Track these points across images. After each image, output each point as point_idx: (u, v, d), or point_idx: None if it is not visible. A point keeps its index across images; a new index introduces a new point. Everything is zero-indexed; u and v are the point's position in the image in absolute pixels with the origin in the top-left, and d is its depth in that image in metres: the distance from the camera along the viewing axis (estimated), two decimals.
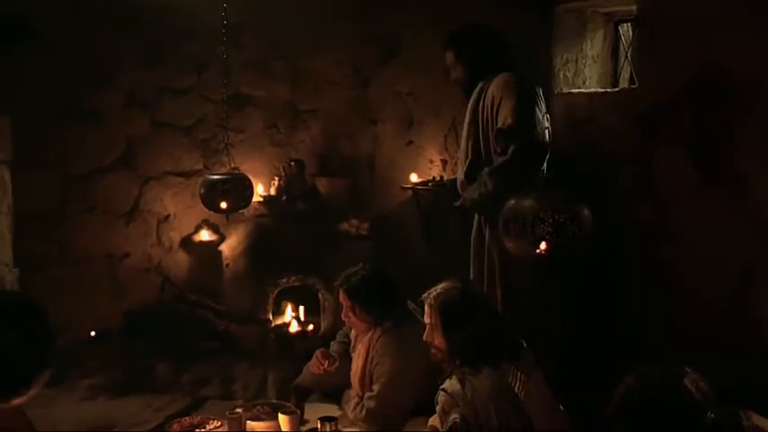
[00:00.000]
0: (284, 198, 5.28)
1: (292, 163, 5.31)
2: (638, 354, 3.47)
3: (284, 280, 5.12)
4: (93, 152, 5.41)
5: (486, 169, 3.62)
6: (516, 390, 2.82)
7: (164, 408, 4.22)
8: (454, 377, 2.88)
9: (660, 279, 3.77)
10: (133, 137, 5.49)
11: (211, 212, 4.48)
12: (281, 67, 5.43)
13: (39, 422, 2.45)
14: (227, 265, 5.26)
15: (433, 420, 2.97)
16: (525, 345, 3.00)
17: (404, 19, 4.96)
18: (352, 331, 3.77)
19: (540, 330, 3.39)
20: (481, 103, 3.72)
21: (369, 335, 3.56)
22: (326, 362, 3.69)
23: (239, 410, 3.40)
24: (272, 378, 4.60)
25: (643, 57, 4.04)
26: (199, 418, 3.55)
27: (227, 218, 4.36)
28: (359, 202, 5.32)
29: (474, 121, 3.76)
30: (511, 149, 3.50)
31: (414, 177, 4.92)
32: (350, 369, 3.66)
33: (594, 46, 4.61)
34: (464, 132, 3.86)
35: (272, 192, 5.33)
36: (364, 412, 3.42)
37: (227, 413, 3.38)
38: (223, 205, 4.03)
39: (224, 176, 4.07)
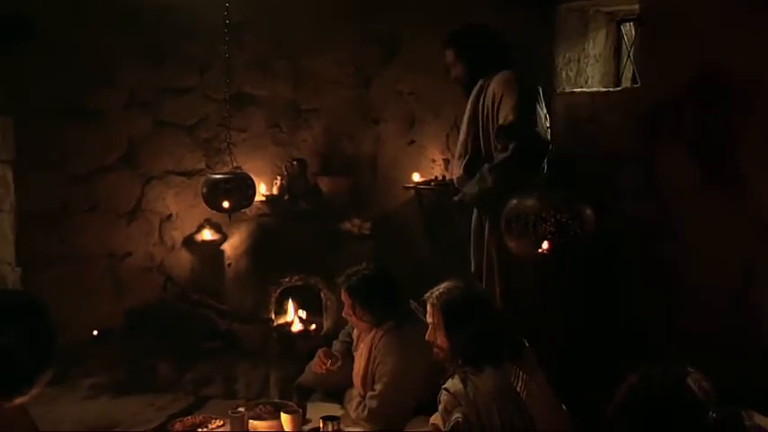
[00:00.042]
0: (286, 197, 5.29)
1: (294, 162, 5.32)
2: (639, 354, 3.48)
3: (286, 279, 5.12)
4: (95, 151, 5.41)
5: (486, 165, 3.63)
6: (518, 389, 2.82)
7: (166, 407, 4.22)
8: (456, 377, 2.88)
9: (661, 278, 3.77)
10: (135, 136, 5.49)
11: (214, 212, 4.48)
12: (283, 67, 5.44)
13: (40, 421, 2.46)
14: (229, 264, 5.26)
15: (435, 419, 2.96)
16: (527, 344, 3.00)
17: (404, 19, 4.97)
18: (355, 330, 3.78)
19: (542, 330, 3.39)
20: (481, 101, 3.72)
21: (371, 334, 3.56)
22: (329, 361, 3.69)
23: (241, 410, 3.41)
24: (275, 377, 4.60)
25: (645, 56, 4.03)
26: (201, 417, 3.56)
27: (230, 217, 4.36)
28: (361, 202, 5.33)
29: (474, 117, 3.77)
30: (512, 146, 3.50)
31: (416, 177, 4.93)
32: (352, 368, 3.67)
33: (597, 45, 4.60)
34: (463, 128, 3.87)
35: (275, 191, 5.33)
36: (366, 411, 3.43)
37: (229, 412, 3.39)
38: (225, 204, 4.03)
39: (226, 176, 4.07)
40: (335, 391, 3.76)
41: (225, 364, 4.86)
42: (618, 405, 1.97)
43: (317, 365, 3.71)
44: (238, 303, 5.19)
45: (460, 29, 3.92)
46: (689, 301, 3.65)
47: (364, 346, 3.59)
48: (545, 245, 3.08)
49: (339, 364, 3.70)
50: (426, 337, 3.06)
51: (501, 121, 3.56)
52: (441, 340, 3.00)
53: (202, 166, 5.53)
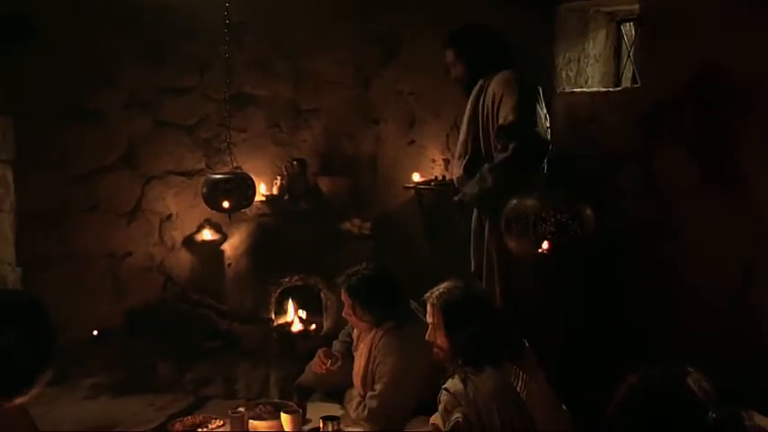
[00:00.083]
0: (286, 197, 5.29)
1: (294, 162, 5.32)
2: (639, 354, 3.48)
3: (286, 279, 5.12)
4: (95, 151, 5.41)
5: (486, 165, 3.63)
6: (518, 389, 2.82)
7: (166, 407, 4.22)
8: (456, 377, 2.88)
9: (661, 278, 3.77)
10: (135, 136, 5.49)
11: (214, 212, 4.48)
12: (283, 67, 5.44)
13: (40, 421, 2.46)
14: (229, 264, 5.26)
15: (435, 419, 2.96)
16: (527, 344, 3.00)
17: (404, 19, 4.97)
18: (355, 330, 3.78)
19: (542, 330, 3.39)
20: (481, 101, 3.72)
21: (371, 334, 3.56)
22: (329, 361, 3.69)
23: (241, 410, 3.41)
24: (275, 377, 4.60)
25: (645, 56, 4.03)
26: (201, 417, 3.56)
27: (230, 217, 4.36)
28: (361, 202, 5.33)
29: (474, 117, 3.77)
30: (512, 146, 3.50)
31: (416, 177, 4.93)
32: (352, 368, 3.67)
33: (597, 45, 4.60)
34: (463, 128, 3.87)
35: (275, 191, 5.33)
36: (366, 411, 3.43)
37: (229, 412, 3.39)
38: (225, 204, 4.03)
39: (226, 176, 4.07)
40: (335, 391, 3.76)
41: (225, 364, 4.86)
42: (618, 405, 1.97)
43: (317, 365, 3.71)
44: (238, 303, 5.19)
45: (460, 29, 3.92)
46: (689, 302, 3.65)
47: (364, 346, 3.59)
48: (545, 245, 3.08)
49: (339, 364, 3.70)
50: (426, 337, 3.06)
51: (501, 121, 3.56)
52: (441, 340, 2.99)
53: (202, 166, 5.53)
